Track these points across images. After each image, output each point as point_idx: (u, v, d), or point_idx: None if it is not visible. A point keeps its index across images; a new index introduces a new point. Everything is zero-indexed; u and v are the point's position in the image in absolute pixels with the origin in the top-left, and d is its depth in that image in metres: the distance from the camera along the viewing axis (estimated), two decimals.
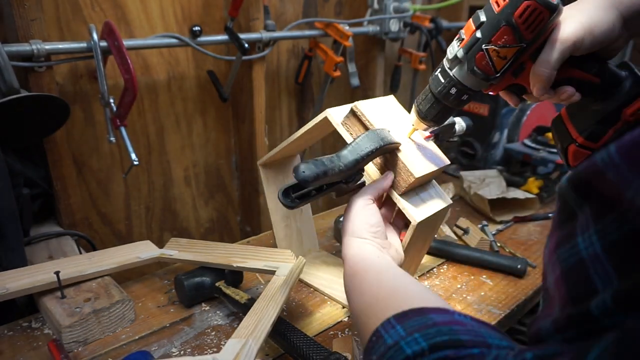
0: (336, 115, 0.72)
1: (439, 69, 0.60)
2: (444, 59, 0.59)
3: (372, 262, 0.56)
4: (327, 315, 0.82)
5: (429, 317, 0.40)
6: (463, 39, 0.56)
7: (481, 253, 0.96)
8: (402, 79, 1.55)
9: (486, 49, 0.54)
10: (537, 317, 0.37)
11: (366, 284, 0.52)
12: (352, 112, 0.69)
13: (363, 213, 0.61)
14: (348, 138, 0.70)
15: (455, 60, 0.57)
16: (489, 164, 1.37)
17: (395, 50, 1.55)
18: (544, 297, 0.38)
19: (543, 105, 1.36)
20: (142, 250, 0.88)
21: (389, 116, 0.70)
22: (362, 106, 0.68)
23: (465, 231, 1.07)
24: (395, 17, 1.34)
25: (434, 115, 0.63)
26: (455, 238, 1.07)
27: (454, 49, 0.57)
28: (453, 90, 0.59)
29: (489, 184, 1.23)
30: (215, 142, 1.25)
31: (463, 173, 1.31)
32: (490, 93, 0.62)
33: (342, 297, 0.85)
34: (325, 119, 0.72)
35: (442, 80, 0.59)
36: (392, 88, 1.54)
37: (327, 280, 0.91)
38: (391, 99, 0.76)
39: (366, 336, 0.44)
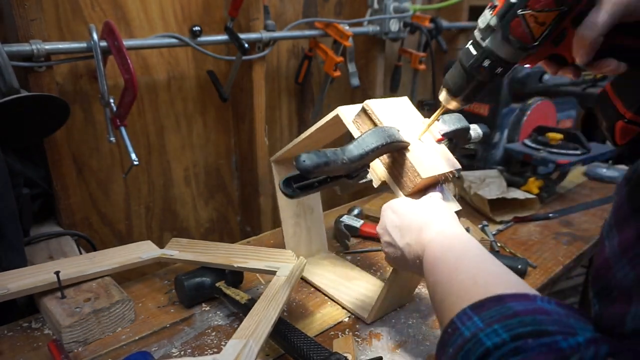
0: (347, 113, 0.72)
1: (470, 41, 0.55)
2: (475, 30, 0.54)
3: (465, 241, 0.54)
4: (327, 315, 0.82)
5: (507, 306, 0.37)
6: (496, 6, 0.51)
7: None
8: (402, 79, 1.55)
9: (522, 14, 0.49)
10: (601, 316, 0.35)
11: (447, 268, 0.50)
12: (363, 110, 0.69)
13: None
14: (358, 135, 0.70)
15: (487, 29, 0.52)
16: (489, 164, 1.37)
17: (395, 50, 1.55)
18: (605, 294, 0.35)
19: (543, 105, 1.36)
20: (144, 251, 0.88)
21: (400, 116, 0.70)
22: (373, 104, 0.68)
23: (466, 230, 1.07)
24: (395, 17, 1.34)
25: (466, 91, 0.58)
26: None
27: (486, 17, 0.52)
28: (486, 63, 0.54)
29: (489, 184, 1.23)
30: (215, 142, 1.25)
31: (463, 173, 1.31)
32: (527, 66, 0.57)
33: (345, 298, 0.85)
34: (337, 117, 0.72)
35: (474, 53, 0.54)
36: (392, 88, 1.54)
37: (332, 281, 0.90)
38: (405, 100, 0.76)
39: (442, 325, 0.43)
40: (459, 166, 0.71)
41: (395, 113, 0.70)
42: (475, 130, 0.78)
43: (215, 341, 0.75)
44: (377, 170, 0.69)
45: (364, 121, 0.69)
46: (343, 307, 0.84)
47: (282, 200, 0.93)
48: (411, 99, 1.70)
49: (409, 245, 0.61)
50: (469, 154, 1.43)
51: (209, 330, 0.77)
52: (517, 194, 1.19)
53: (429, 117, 0.71)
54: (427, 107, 1.42)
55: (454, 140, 0.73)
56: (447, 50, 1.52)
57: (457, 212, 0.67)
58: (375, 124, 0.67)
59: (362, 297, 0.85)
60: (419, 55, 1.46)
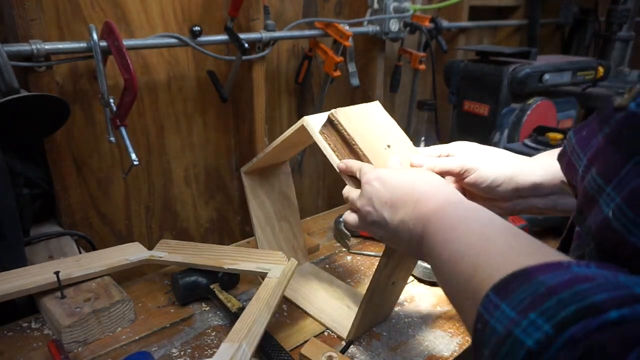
0: (314, 123, 0.68)
1: None
2: None
3: (480, 209, 0.47)
4: (312, 324, 0.81)
5: (538, 282, 0.30)
6: None
7: None
8: (402, 79, 1.55)
9: None
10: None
11: (472, 238, 0.41)
12: (330, 121, 0.65)
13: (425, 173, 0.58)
14: (326, 148, 0.67)
15: None
16: None
17: (395, 50, 1.55)
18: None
19: (543, 105, 1.36)
20: (131, 252, 0.88)
21: (370, 125, 0.67)
22: (341, 114, 0.64)
23: None
24: (395, 17, 1.34)
25: None
26: None
27: None
28: None
29: None
30: (215, 142, 1.25)
31: None
32: None
33: (321, 316, 0.81)
34: (302, 127, 0.69)
35: None
36: (392, 88, 1.53)
37: (305, 297, 0.86)
38: (376, 105, 0.72)
39: (468, 320, 0.36)
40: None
41: (365, 121, 0.67)
42: None
43: (215, 341, 0.75)
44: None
45: (331, 132, 0.66)
46: (321, 324, 0.80)
47: (254, 211, 0.90)
48: (411, 99, 1.69)
49: (403, 222, 0.53)
50: None
51: (209, 330, 0.77)
52: None
53: (428, 117, 0.70)
54: (427, 107, 1.42)
55: None
56: (447, 50, 1.52)
57: None
58: (342, 136, 0.64)
59: (341, 312, 0.81)
60: (419, 55, 1.46)
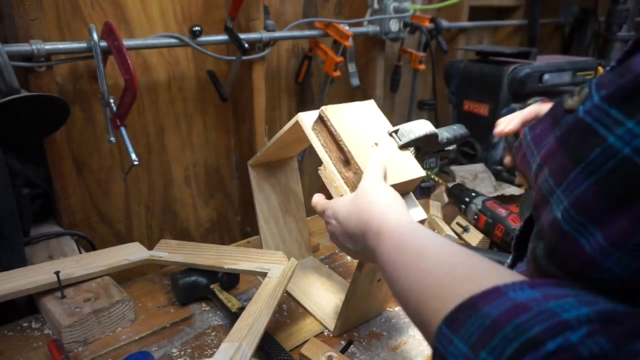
0: (307, 119, 0.70)
1: None
2: None
3: (412, 232, 0.46)
4: (313, 323, 0.81)
5: (484, 315, 0.31)
6: None
7: (482, 252, 0.96)
8: (402, 79, 1.55)
9: None
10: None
11: (409, 273, 0.41)
12: (320, 117, 0.67)
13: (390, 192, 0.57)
14: (316, 143, 0.68)
15: None
16: (489, 164, 1.37)
17: (395, 50, 1.55)
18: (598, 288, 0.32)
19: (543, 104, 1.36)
20: (131, 252, 0.88)
21: (361, 122, 0.68)
22: (330, 111, 0.66)
23: (465, 229, 1.07)
24: (395, 17, 1.34)
25: None
26: (455, 237, 1.07)
27: None
28: None
29: (482, 179, 1.25)
30: (215, 142, 1.25)
31: (453, 168, 1.32)
32: None
33: (314, 309, 0.82)
34: (297, 124, 0.71)
35: None
36: (392, 88, 1.54)
37: (303, 289, 0.87)
38: (371, 103, 0.73)
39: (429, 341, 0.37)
40: (422, 173, 0.68)
41: (355, 119, 0.68)
42: (441, 134, 0.73)
43: (215, 341, 0.75)
44: (335, 180, 0.66)
45: (321, 128, 0.67)
46: (314, 317, 0.81)
47: (259, 205, 0.91)
48: (411, 99, 1.69)
49: (362, 252, 0.56)
50: (469, 153, 1.43)
51: (209, 330, 0.77)
52: (512, 190, 1.21)
53: (428, 117, 0.70)
54: (427, 107, 1.42)
55: (422, 148, 0.70)
56: (447, 50, 1.52)
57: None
58: (330, 132, 0.66)
59: (333, 306, 0.82)
60: (419, 55, 1.46)
